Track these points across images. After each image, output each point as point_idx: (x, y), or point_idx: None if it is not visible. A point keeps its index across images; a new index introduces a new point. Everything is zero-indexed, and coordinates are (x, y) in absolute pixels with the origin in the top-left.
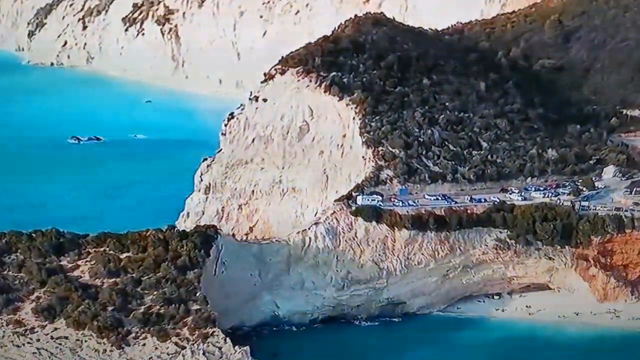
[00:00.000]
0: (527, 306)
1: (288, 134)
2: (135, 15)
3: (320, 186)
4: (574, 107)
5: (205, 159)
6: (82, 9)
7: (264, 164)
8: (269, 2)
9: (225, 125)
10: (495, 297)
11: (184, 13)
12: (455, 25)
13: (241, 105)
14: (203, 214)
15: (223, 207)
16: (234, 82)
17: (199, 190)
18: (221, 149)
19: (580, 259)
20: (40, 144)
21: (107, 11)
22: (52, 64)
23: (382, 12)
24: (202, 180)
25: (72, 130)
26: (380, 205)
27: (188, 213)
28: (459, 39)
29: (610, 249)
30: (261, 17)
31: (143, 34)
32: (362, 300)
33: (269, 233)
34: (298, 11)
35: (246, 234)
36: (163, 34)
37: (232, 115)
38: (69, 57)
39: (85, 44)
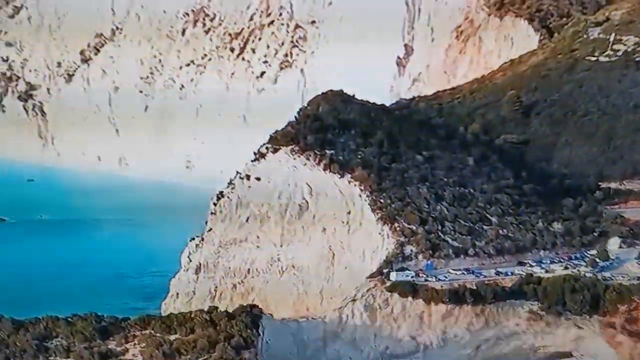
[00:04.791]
0: None
1: (286, 212)
2: None
3: (326, 263)
4: (554, 180)
5: (193, 239)
6: None
7: (260, 242)
8: (147, 77)
9: (215, 205)
10: None
11: (48, 89)
12: (399, 100)
13: (230, 183)
14: (194, 293)
15: (216, 287)
16: (115, 158)
17: (187, 270)
18: (211, 228)
19: (608, 327)
20: None
21: None
22: None
23: (341, 89)
24: (190, 260)
25: None
26: (413, 280)
27: (177, 293)
28: (409, 114)
29: (636, 316)
30: (141, 91)
31: (4, 111)
32: None
33: (266, 311)
34: (183, 86)
35: None
36: (27, 111)
37: (221, 194)
38: None
39: None
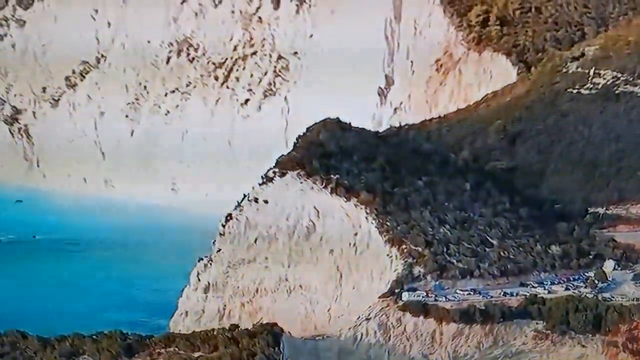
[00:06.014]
0: None
1: (294, 234)
2: None
3: (334, 283)
4: (545, 205)
5: (202, 259)
6: None
7: (268, 263)
8: (133, 102)
9: (223, 226)
10: None
11: (34, 113)
12: (390, 128)
13: (238, 205)
14: (203, 312)
15: (225, 306)
16: (101, 180)
17: (196, 289)
18: (219, 249)
19: (611, 346)
20: None
21: None
22: None
23: (337, 117)
24: (199, 279)
25: None
26: (425, 300)
27: (186, 312)
28: (401, 141)
29: (637, 335)
30: (127, 116)
31: None
32: None
33: None
34: (168, 111)
35: None
36: (12, 134)
37: (230, 216)
38: None
39: None
